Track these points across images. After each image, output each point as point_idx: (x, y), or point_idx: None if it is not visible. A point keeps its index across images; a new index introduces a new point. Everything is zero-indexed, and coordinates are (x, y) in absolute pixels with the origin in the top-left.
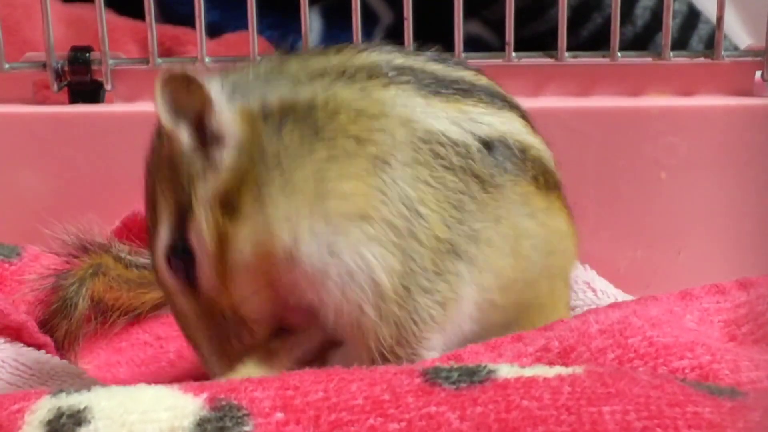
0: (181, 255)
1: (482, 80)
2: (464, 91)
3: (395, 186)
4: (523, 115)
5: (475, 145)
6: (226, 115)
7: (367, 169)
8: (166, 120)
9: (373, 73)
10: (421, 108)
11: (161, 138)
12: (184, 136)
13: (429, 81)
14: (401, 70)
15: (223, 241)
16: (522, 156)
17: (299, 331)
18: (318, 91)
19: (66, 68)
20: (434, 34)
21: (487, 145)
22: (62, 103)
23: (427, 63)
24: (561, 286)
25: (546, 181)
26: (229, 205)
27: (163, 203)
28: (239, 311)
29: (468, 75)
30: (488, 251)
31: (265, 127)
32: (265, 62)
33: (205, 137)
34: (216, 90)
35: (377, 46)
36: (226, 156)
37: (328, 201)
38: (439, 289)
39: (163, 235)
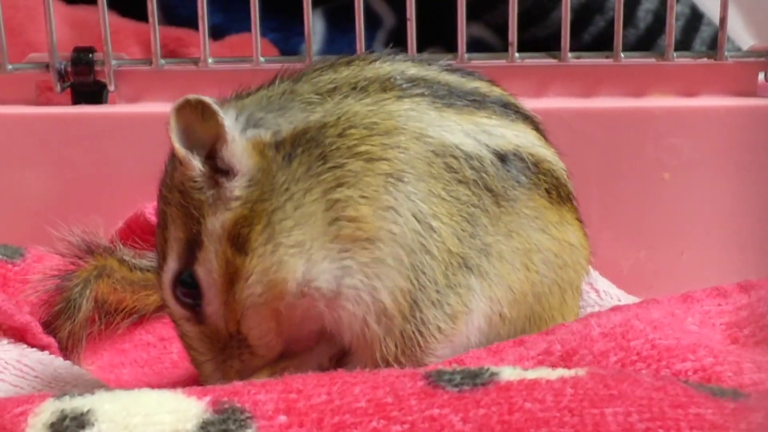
0: (188, 285)
1: (495, 91)
2: (478, 102)
3: (408, 202)
4: (537, 126)
5: (488, 157)
6: (239, 147)
7: (378, 188)
8: (179, 147)
9: (386, 86)
10: (435, 121)
11: (174, 162)
12: (196, 164)
13: (443, 93)
14: (415, 81)
15: (231, 276)
16: (535, 169)
17: (305, 350)
18: (329, 109)
19: (69, 69)
20: (437, 36)
21: (501, 157)
22: (65, 104)
23: (441, 73)
24: (571, 298)
25: (558, 194)
26: (238, 239)
27: (172, 230)
28: (245, 339)
29: (482, 86)
30: (499, 265)
31: (277, 158)
32: (278, 85)
33: (217, 166)
34: (230, 120)
35: (389, 55)
36: (237, 188)
37: (337, 229)
38: (449, 302)
39: (171, 264)
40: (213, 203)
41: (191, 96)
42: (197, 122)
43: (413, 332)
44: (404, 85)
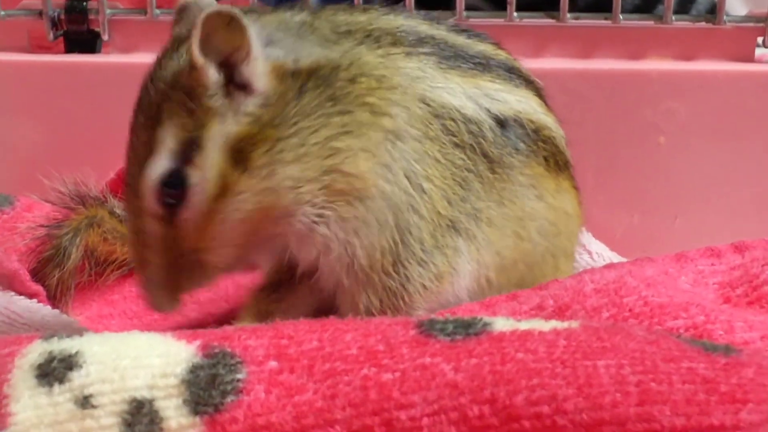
0: (174, 185)
1: (501, 55)
2: (482, 66)
3: (403, 161)
4: (539, 92)
5: (488, 122)
6: (261, 66)
7: (378, 143)
8: (198, 54)
9: (396, 40)
10: (439, 82)
11: (177, 57)
12: (212, 72)
13: (449, 54)
14: (424, 39)
15: (224, 187)
16: (535, 137)
17: (294, 294)
18: (344, 52)
19: (62, 17)
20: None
21: (501, 123)
22: (58, 53)
23: (449, 34)
24: (564, 265)
25: (556, 162)
26: (240, 153)
27: (169, 126)
28: (204, 255)
29: (488, 49)
30: (488, 230)
31: (291, 86)
32: (297, 13)
33: (232, 77)
34: (254, 37)
35: (401, 10)
36: (251, 105)
37: (330, 180)
38: (435, 262)
39: (163, 160)
40: (222, 113)
41: (224, 7)
42: (221, 31)
43: (397, 288)
44: (413, 42)
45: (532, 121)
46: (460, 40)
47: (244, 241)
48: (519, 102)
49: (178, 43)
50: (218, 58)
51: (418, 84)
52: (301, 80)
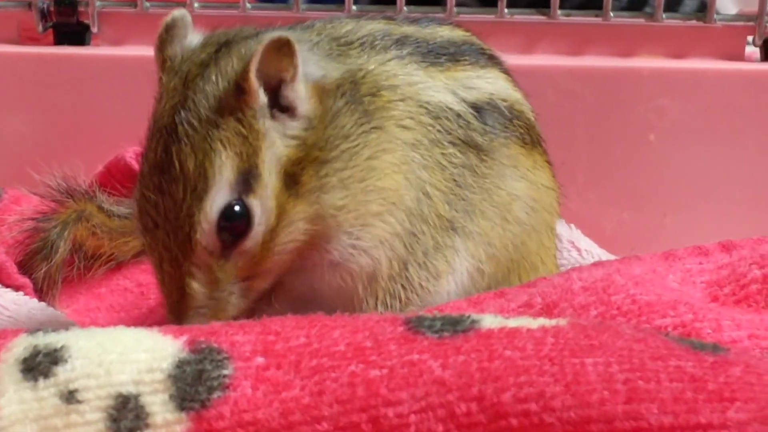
0: (236, 217)
1: (460, 35)
2: (452, 55)
3: (416, 171)
4: (505, 69)
5: (470, 112)
6: (303, 89)
7: (403, 155)
8: (254, 80)
9: (383, 45)
10: (428, 82)
11: (213, 81)
12: (261, 94)
13: (424, 50)
14: (400, 40)
15: (280, 215)
16: (510, 115)
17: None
18: (354, 63)
19: (52, 9)
20: None
21: (478, 109)
22: (47, 45)
23: (412, 28)
24: (547, 240)
25: (531, 137)
26: (292, 178)
27: (224, 155)
28: (252, 282)
29: (446, 33)
30: (482, 223)
31: (328, 106)
32: (301, 32)
33: (276, 100)
34: (300, 60)
35: (366, 15)
36: (296, 128)
37: (369, 197)
38: (434, 262)
39: (224, 191)
40: (270, 137)
41: (281, 33)
42: (273, 58)
43: (397, 290)
44: (395, 44)
45: (504, 100)
46: (428, 32)
47: (287, 268)
48: (490, 83)
49: (201, 66)
50: (267, 81)
51: (413, 88)
52: (332, 99)
